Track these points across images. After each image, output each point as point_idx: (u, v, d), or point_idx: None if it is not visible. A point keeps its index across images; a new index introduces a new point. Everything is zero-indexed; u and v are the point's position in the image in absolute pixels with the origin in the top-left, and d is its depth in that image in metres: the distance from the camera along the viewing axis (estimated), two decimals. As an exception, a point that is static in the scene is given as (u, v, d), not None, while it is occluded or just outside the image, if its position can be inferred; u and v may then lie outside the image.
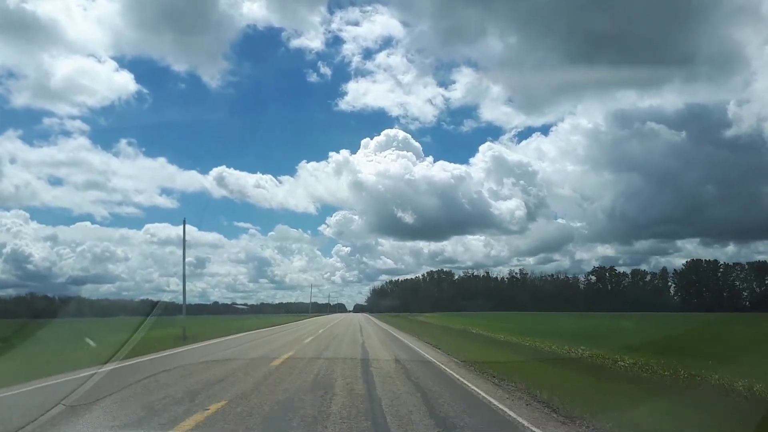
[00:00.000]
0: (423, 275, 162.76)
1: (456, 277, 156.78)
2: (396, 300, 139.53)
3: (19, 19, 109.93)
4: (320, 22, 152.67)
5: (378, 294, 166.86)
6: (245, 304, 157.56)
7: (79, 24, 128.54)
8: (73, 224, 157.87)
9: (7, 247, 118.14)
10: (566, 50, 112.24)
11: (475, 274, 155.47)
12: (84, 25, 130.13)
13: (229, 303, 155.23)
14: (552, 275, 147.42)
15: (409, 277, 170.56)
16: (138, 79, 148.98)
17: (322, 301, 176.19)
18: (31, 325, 29.09)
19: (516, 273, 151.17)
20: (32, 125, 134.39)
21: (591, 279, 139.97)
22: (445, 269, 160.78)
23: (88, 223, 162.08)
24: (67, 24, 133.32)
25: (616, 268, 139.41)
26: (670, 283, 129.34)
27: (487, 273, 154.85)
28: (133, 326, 21.99)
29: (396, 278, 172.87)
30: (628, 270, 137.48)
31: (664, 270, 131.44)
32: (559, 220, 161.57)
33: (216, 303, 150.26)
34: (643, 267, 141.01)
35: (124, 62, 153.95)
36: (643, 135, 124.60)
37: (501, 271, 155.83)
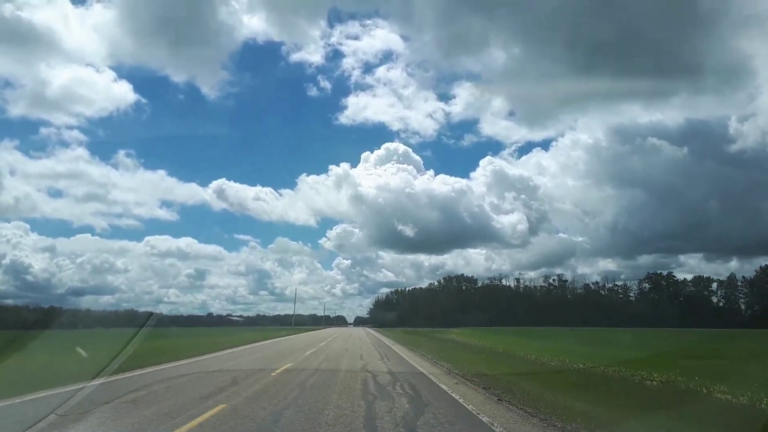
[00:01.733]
0: (438, 282, 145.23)
1: (479, 284, 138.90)
2: (401, 312, 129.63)
3: (15, 27, 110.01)
4: (320, 36, 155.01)
5: (381, 305, 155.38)
6: (240, 316, 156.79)
7: (76, 33, 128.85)
8: (73, 236, 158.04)
9: (7, 258, 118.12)
10: (568, 63, 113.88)
11: (502, 283, 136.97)
12: (81, 35, 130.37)
13: (224, 315, 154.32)
14: (597, 283, 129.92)
15: (419, 285, 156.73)
16: (136, 89, 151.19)
17: (321, 313, 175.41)
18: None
19: (553, 280, 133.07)
20: (29, 135, 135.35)
21: (644, 287, 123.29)
22: (466, 275, 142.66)
23: (88, 235, 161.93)
24: (63, 33, 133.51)
25: (674, 273, 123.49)
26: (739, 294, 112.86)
27: (518, 281, 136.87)
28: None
29: (403, 287, 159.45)
30: (688, 276, 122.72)
31: (732, 277, 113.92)
32: (561, 235, 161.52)
33: (211, 314, 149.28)
34: (707, 273, 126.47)
35: (122, 72, 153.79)
36: (644, 150, 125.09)
37: (534, 279, 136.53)
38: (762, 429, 7.25)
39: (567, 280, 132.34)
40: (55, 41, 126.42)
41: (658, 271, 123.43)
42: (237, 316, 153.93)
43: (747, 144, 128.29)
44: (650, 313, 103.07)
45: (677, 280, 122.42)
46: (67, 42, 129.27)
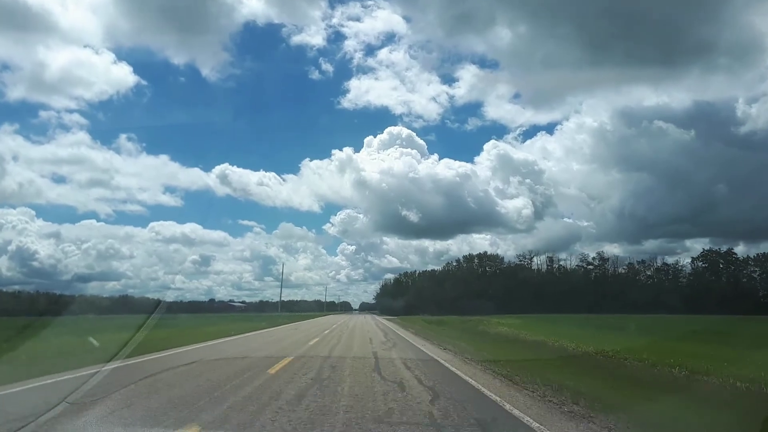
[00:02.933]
0: (456, 262, 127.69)
1: (506, 264, 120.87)
2: (412, 297, 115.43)
3: (10, 8, 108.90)
4: (321, 17, 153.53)
5: (388, 291, 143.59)
6: (243, 302, 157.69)
7: (73, 14, 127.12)
8: (78, 222, 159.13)
9: (13, 245, 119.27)
10: (574, 45, 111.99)
11: (533, 262, 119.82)
12: (78, 15, 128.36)
13: (227, 301, 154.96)
14: (643, 262, 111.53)
15: (434, 268, 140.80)
16: (136, 71, 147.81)
17: (326, 299, 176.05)
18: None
19: (592, 259, 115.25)
20: (30, 119, 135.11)
21: (698, 266, 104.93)
22: (489, 253, 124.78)
23: (93, 221, 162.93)
24: (60, 14, 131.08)
25: (734, 250, 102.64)
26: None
27: (550, 262, 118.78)
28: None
29: (414, 270, 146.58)
30: (751, 253, 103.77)
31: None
32: (566, 219, 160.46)
33: (213, 300, 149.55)
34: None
35: (121, 54, 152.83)
36: (651, 133, 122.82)
37: (568, 260, 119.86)
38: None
39: (608, 259, 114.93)
40: (52, 22, 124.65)
41: (717, 248, 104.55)
42: (239, 302, 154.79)
43: (757, 125, 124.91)
44: (705, 297, 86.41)
45: (737, 258, 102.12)
46: (64, 23, 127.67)
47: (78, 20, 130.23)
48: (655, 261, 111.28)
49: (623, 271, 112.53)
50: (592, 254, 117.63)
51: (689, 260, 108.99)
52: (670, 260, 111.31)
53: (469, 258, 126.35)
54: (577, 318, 55.05)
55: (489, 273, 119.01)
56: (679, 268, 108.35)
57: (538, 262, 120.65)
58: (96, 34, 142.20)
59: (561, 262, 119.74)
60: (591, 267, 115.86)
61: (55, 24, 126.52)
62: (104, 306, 79.17)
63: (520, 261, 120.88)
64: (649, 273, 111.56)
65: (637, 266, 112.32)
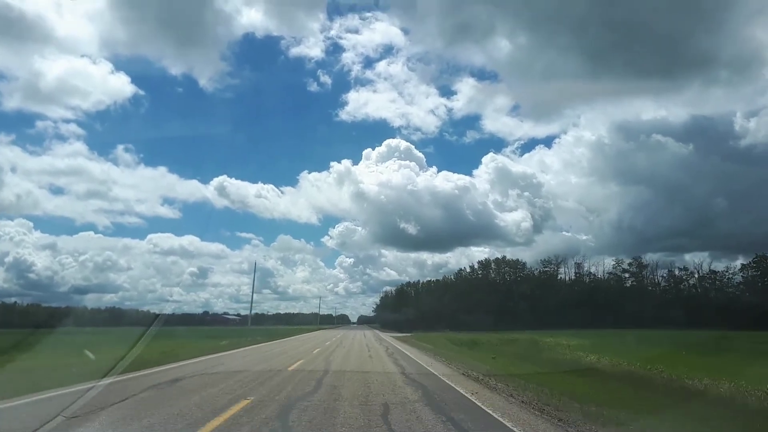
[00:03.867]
0: (470, 269, 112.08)
1: (528, 270, 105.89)
2: (418, 309, 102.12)
3: (5, 15, 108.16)
4: (319, 29, 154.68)
5: (389, 302, 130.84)
6: (238, 315, 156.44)
7: (69, 22, 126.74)
8: (75, 234, 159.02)
9: (10, 256, 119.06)
10: (574, 57, 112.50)
11: (559, 270, 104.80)
12: (75, 24, 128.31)
13: (221, 313, 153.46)
14: (685, 269, 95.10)
15: (438, 278, 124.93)
16: (134, 82, 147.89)
17: (324, 311, 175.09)
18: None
19: (628, 265, 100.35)
20: (26, 129, 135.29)
21: (748, 275, 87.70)
22: (509, 258, 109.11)
23: (91, 233, 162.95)
24: (56, 22, 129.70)
25: None
26: None
27: (579, 269, 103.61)
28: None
29: (417, 280, 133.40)
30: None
31: None
32: (565, 233, 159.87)
33: (207, 313, 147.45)
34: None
35: (119, 64, 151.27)
36: (649, 147, 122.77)
37: (596, 264, 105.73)
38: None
39: (646, 265, 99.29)
40: (47, 31, 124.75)
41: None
42: (234, 315, 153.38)
43: (757, 139, 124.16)
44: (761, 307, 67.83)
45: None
46: (60, 32, 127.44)
47: (74, 29, 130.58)
48: (700, 269, 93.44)
49: (663, 282, 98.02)
50: (628, 260, 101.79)
51: (738, 267, 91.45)
52: (719, 267, 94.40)
53: (485, 264, 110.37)
54: (652, 335, 42.68)
55: (509, 280, 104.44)
56: (729, 276, 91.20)
57: (566, 269, 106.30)
58: (92, 43, 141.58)
59: (590, 269, 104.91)
60: (626, 275, 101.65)
61: (51, 33, 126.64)
62: (102, 319, 78.92)
63: (546, 267, 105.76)
64: (692, 282, 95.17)
65: (678, 273, 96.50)
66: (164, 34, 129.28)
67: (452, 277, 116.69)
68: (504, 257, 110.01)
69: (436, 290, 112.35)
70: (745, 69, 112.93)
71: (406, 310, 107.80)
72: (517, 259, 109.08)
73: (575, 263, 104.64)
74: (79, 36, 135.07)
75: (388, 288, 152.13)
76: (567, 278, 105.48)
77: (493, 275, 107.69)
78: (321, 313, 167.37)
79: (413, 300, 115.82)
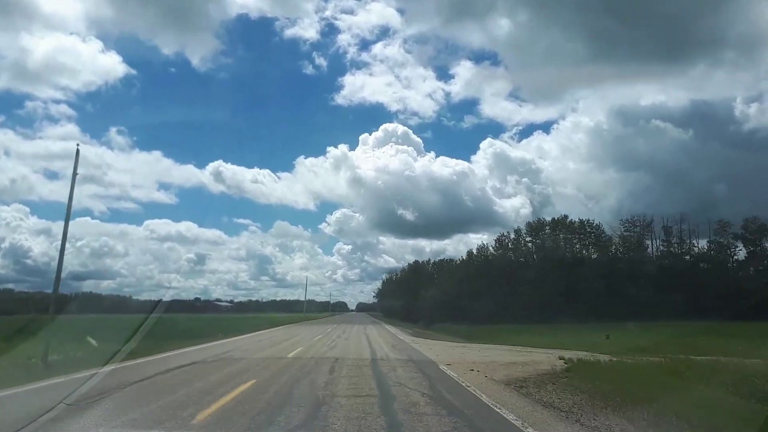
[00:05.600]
0: (516, 233, 73.58)
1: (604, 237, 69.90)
2: (435, 293, 66.56)
3: None
4: (314, 10, 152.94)
5: (392, 287, 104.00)
6: (231, 302, 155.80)
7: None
8: (72, 219, 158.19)
9: (6, 242, 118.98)
10: (574, 39, 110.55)
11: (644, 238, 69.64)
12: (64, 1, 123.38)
13: (213, 300, 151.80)
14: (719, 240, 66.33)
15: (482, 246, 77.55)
16: (126, 62, 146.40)
17: (323, 298, 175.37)
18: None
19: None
20: (15, 110, 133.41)
21: None
22: (573, 220, 71.79)
23: (87, 219, 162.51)
24: None
25: None
26: None
27: (668, 232, 68.73)
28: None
29: (428, 258, 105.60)
30: None
31: None
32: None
33: (198, 300, 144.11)
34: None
35: (109, 44, 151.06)
36: (648, 132, 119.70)
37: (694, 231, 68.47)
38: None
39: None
40: (34, 7, 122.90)
41: None
42: (227, 302, 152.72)
43: (762, 122, 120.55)
44: None
45: None
46: (47, 8, 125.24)
47: (63, 6, 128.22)
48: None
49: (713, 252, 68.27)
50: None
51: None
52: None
53: (537, 224, 72.88)
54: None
55: (576, 253, 69.77)
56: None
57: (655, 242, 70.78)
58: (82, 20, 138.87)
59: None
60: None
61: (38, 9, 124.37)
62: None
63: (627, 231, 70.36)
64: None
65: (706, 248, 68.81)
66: (158, 18, 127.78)
67: (491, 247, 75.08)
68: (565, 217, 72.62)
69: (459, 269, 75.62)
70: (752, 50, 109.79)
71: (421, 295, 71.36)
72: (589, 220, 71.78)
73: (664, 228, 69.95)
74: (67, 13, 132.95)
75: (392, 271, 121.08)
76: (656, 249, 71.04)
77: (550, 243, 71.07)
78: (318, 299, 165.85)
79: (431, 281, 79.45)
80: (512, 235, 74.24)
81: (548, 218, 75.18)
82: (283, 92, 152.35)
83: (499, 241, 75.19)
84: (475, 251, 77.45)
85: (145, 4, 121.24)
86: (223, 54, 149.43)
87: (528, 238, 73.56)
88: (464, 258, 79.78)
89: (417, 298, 72.94)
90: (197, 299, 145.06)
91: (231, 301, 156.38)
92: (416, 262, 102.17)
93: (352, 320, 71.82)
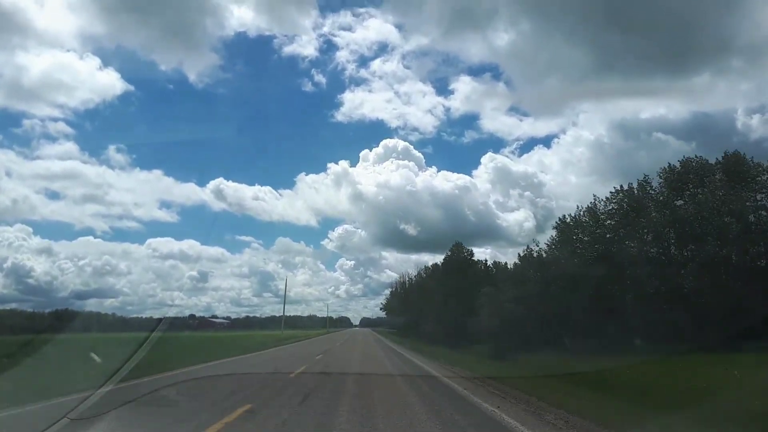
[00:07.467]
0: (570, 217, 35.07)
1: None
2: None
3: None
4: (312, 27, 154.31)
5: (400, 298, 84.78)
6: (228, 318, 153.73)
7: (52, 15, 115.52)
8: (74, 239, 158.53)
9: (9, 262, 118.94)
10: (575, 53, 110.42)
11: None
12: (58, 17, 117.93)
13: (208, 317, 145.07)
14: None
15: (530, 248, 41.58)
16: (124, 78, 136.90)
17: (324, 314, 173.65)
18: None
19: None
20: (13, 128, 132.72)
21: None
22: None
23: (90, 238, 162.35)
24: (38, 15, 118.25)
25: None
26: None
27: None
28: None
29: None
30: None
31: None
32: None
33: (193, 316, 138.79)
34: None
35: (107, 61, 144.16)
36: (650, 144, 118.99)
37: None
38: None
39: None
40: (29, 24, 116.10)
41: None
42: (223, 318, 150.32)
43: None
44: None
45: None
46: (42, 25, 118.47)
47: (58, 22, 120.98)
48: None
49: None
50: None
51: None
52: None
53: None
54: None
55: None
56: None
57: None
58: (77, 37, 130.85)
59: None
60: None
61: (33, 26, 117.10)
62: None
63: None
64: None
65: None
66: (156, 35, 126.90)
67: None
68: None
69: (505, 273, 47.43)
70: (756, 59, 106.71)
71: (475, 305, 40.22)
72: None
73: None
74: (62, 29, 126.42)
75: (401, 275, 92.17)
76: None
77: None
78: (319, 315, 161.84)
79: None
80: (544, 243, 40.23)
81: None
82: (283, 109, 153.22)
83: (562, 222, 39.25)
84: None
85: (143, 19, 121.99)
86: (222, 71, 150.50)
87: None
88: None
89: (467, 310, 42.81)
90: (191, 316, 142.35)
91: (227, 318, 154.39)
92: (458, 250, 56.09)
93: (351, 343, 48.42)
